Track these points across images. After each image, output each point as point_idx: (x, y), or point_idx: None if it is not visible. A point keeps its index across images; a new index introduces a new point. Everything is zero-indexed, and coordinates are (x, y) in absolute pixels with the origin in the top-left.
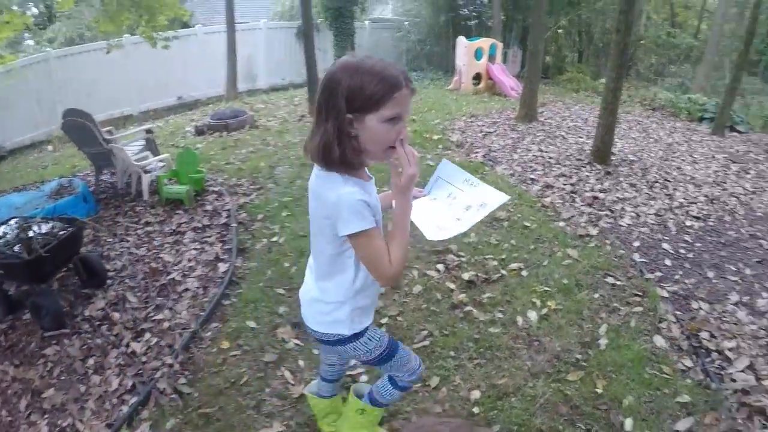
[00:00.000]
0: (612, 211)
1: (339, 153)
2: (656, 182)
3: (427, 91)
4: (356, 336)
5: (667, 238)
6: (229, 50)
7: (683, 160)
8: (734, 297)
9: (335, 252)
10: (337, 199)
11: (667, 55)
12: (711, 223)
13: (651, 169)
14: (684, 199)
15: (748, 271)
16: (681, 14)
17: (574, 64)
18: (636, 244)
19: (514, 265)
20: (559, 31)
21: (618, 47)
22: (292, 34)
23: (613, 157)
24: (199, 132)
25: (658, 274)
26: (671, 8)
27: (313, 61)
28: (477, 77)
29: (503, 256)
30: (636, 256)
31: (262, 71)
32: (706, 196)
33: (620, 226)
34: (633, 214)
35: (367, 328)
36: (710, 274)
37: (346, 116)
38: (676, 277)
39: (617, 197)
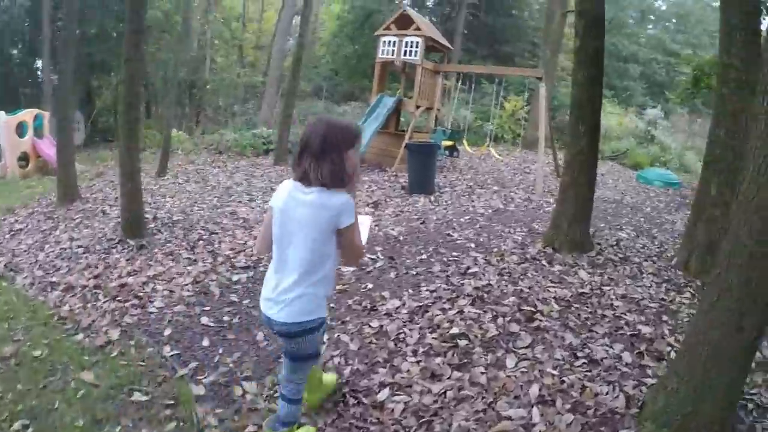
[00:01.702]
0: (140, 298)
1: (344, 176)
2: (201, 239)
3: None
4: (322, 323)
5: (207, 308)
6: None
7: (239, 202)
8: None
9: (328, 246)
10: (345, 201)
11: (234, 95)
12: (263, 269)
13: (197, 224)
14: (231, 250)
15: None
16: (252, 54)
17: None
18: (168, 332)
19: (18, 425)
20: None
21: (126, 101)
22: None
23: (151, 224)
24: None
25: (194, 364)
26: (240, 50)
27: None
28: (25, 157)
29: (4, 416)
30: (167, 350)
31: None
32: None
33: (149, 314)
34: (166, 292)
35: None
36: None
37: (343, 153)
38: (217, 358)
39: (149, 276)
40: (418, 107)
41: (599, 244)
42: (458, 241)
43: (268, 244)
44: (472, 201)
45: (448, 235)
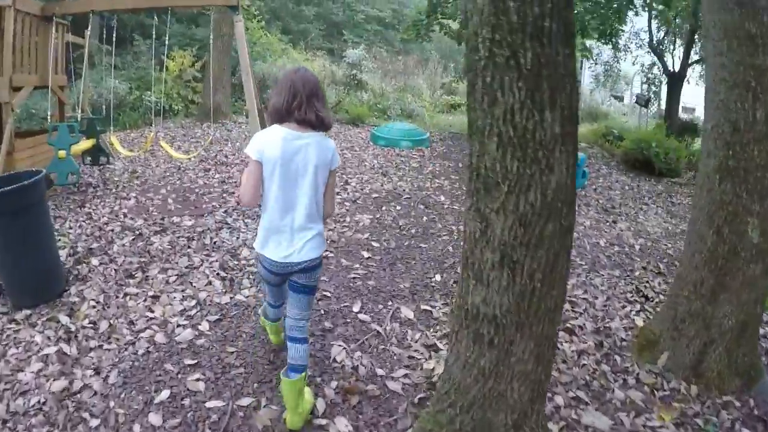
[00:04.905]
0: None
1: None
2: None
3: None
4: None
5: None
6: None
7: None
8: None
9: (323, 186)
10: (333, 145)
11: None
12: None
13: None
14: None
15: None
16: None
17: None
18: None
19: None
20: None
21: None
22: None
23: None
24: None
25: None
26: None
27: None
28: None
29: None
30: None
31: None
32: None
33: None
34: None
35: None
36: None
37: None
38: None
39: None
40: (16, 89)
41: None
42: None
43: (258, 195)
44: (169, 292)
45: None
